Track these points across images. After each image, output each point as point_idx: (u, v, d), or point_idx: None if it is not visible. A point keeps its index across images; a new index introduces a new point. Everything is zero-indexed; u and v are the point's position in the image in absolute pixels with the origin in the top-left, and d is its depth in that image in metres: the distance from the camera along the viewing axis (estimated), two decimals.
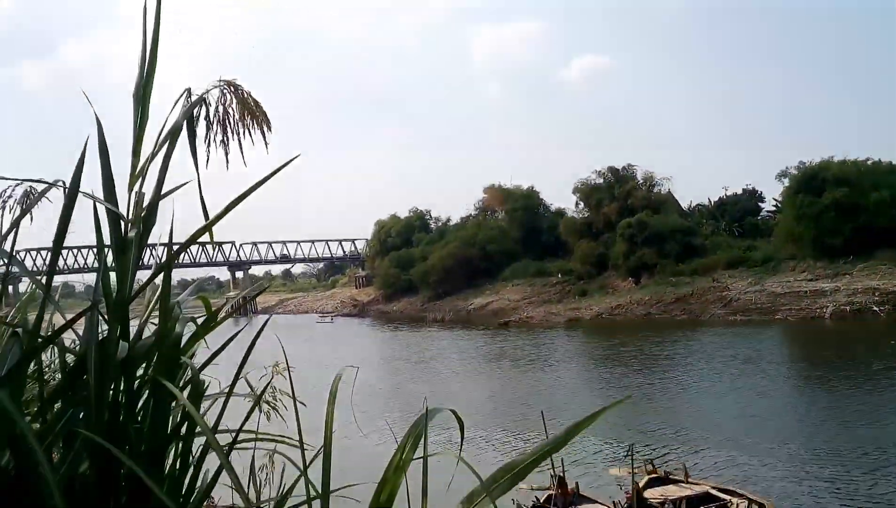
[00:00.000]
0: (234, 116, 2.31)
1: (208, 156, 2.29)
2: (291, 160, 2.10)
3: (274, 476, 2.49)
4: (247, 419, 2.19)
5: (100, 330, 1.93)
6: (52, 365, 2.23)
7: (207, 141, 2.29)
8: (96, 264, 2.03)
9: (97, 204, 2.00)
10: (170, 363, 2.02)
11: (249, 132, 2.33)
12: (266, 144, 2.35)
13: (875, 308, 43.39)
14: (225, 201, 2.01)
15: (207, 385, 2.15)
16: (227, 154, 2.31)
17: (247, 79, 2.32)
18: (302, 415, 2.42)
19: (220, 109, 2.30)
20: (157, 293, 2.09)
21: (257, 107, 2.34)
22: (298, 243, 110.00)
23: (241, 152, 2.33)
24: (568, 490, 13.88)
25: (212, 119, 2.30)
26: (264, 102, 2.34)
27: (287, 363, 2.74)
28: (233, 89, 2.31)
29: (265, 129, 2.35)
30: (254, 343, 2.10)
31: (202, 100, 2.25)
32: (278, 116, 2.42)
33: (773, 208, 67.45)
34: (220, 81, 2.30)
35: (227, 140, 2.31)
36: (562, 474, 14.02)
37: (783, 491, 14.94)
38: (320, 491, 1.88)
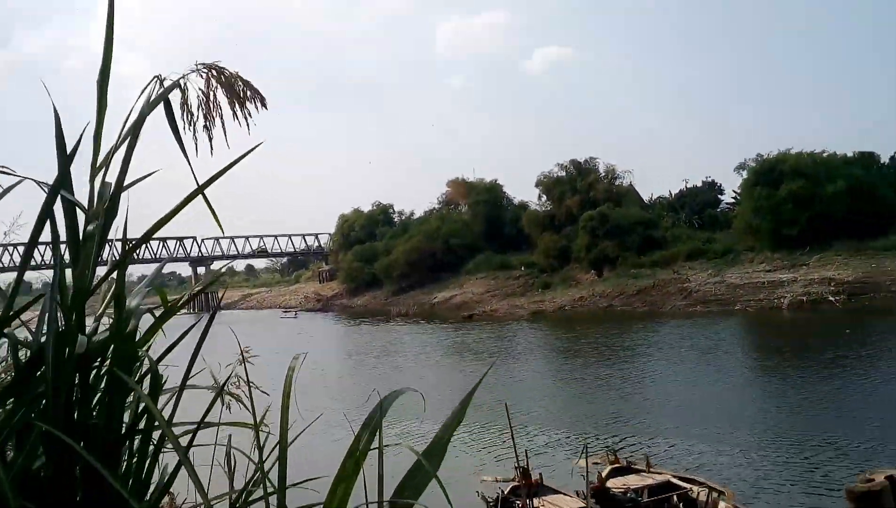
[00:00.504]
0: (216, 99, 2.27)
1: (196, 144, 2.27)
2: (253, 149, 2.08)
3: (238, 469, 2.48)
4: (207, 412, 2.18)
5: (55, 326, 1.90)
6: (3, 363, 2.19)
7: (194, 129, 2.25)
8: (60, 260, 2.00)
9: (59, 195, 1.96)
10: (126, 357, 2.00)
11: (239, 116, 2.29)
12: (248, 127, 2.32)
13: (831, 298, 44.30)
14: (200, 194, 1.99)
15: (166, 380, 2.13)
16: (210, 140, 2.27)
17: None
18: (265, 407, 2.42)
19: (201, 94, 2.25)
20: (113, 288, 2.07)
21: (248, 87, 2.29)
22: (261, 237, 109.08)
23: (226, 138, 2.29)
24: (532, 482, 13.94)
25: (191, 105, 2.25)
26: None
27: (243, 355, 2.72)
28: (215, 73, 2.27)
29: (258, 108, 2.30)
30: (205, 333, 2.08)
31: (177, 85, 2.21)
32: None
33: (733, 200, 68.41)
34: (197, 64, 2.26)
35: (211, 126, 2.27)
36: (525, 465, 14.09)
37: (738, 476, 15.24)
38: (277, 486, 1.89)
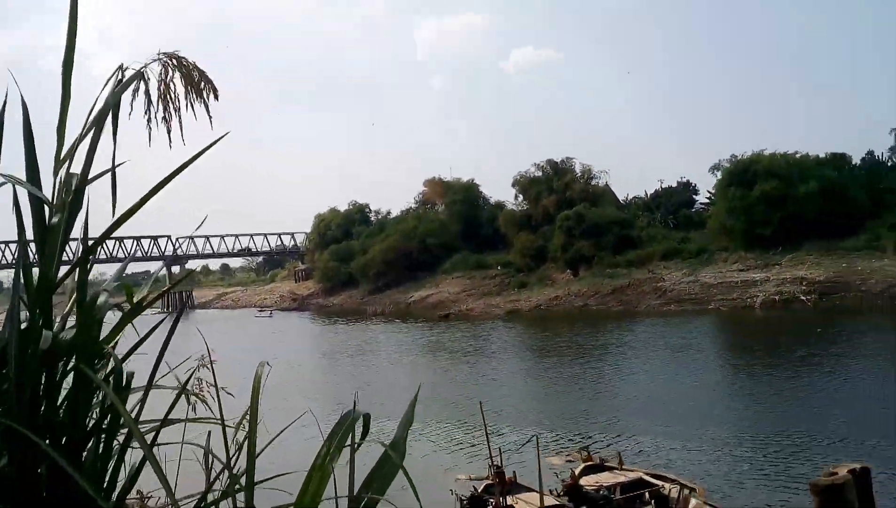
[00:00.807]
0: (175, 89, 2.25)
1: (150, 133, 2.26)
2: (219, 140, 2.06)
3: (213, 467, 2.48)
4: (171, 409, 2.19)
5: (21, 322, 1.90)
6: None
7: (148, 118, 2.24)
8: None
9: (20, 189, 1.94)
10: (92, 354, 2.00)
11: (193, 106, 2.28)
12: (210, 117, 2.31)
13: (802, 297, 44.83)
14: (174, 185, 1.97)
15: (132, 377, 2.13)
16: (168, 131, 2.26)
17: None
18: (234, 408, 2.43)
19: (162, 83, 2.24)
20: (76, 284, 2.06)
21: (203, 78, 2.28)
22: (237, 236, 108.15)
23: (181, 129, 2.28)
24: (506, 480, 13.99)
25: (152, 95, 2.24)
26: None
27: (209, 354, 2.73)
28: (175, 62, 2.25)
29: (211, 99, 2.29)
30: (171, 332, 2.09)
31: (140, 75, 2.19)
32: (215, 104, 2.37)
33: (707, 201, 68.94)
34: (160, 54, 2.25)
35: (170, 116, 2.26)
36: (499, 464, 14.14)
37: (707, 472, 15.42)
38: (245, 483, 1.90)
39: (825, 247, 49.18)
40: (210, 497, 2.15)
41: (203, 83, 2.27)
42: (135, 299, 2.18)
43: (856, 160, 61.97)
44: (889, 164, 57.38)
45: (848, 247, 48.44)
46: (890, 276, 43.19)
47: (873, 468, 9.15)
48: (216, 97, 2.29)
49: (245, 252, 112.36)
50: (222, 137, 2.08)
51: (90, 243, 2.10)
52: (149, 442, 1.96)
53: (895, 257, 45.00)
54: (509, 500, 13.54)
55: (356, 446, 1.93)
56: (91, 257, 2.10)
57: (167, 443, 2.35)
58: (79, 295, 1.98)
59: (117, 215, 2.01)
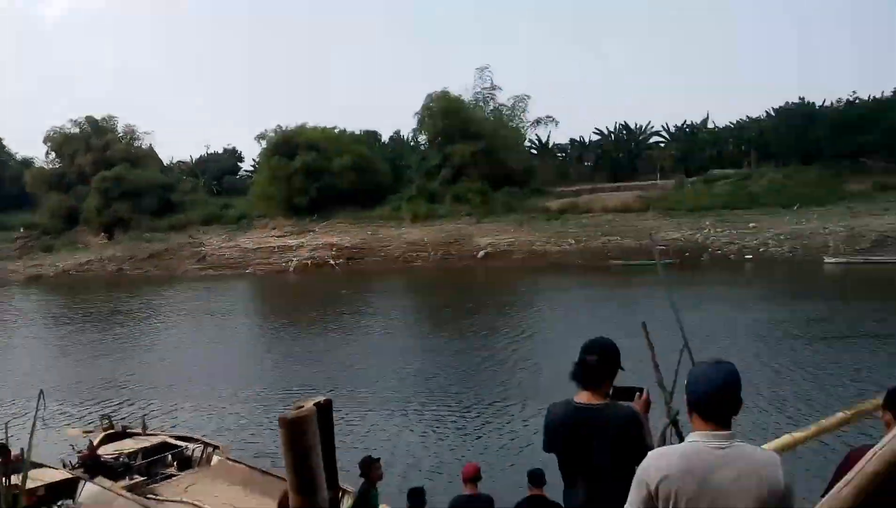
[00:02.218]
0: None
1: None
2: None
3: None
4: None
5: None
6: None
7: None
8: None
9: None
10: None
11: None
12: None
13: (332, 261, 48.82)
14: None
15: None
16: None
17: None
18: None
19: None
20: None
21: None
22: None
23: None
24: (11, 458, 12.89)
25: None
26: None
27: None
28: None
29: None
30: None
31: None
32: None
33: (252, 169, 70.51)
34: None
35: None
36: (4, 441, 12.97)
37: (230, 428, 15.95)
38: None
39: (355, 216, 54.25)
40: None
41: None
42: None
43: (385, 139, 68.88)
44: (412, 144, 64.50)
45: (374, 216, 53.95)
46: (406, 242, 49.48)
47: (335, 400, 10.42)
48: None
49: None
50: None
51: None
52: None
53: (411, 226, 51.47)
54: (15, 480, 12.53)
55: None
56: None
57: None
58: None
59: None
